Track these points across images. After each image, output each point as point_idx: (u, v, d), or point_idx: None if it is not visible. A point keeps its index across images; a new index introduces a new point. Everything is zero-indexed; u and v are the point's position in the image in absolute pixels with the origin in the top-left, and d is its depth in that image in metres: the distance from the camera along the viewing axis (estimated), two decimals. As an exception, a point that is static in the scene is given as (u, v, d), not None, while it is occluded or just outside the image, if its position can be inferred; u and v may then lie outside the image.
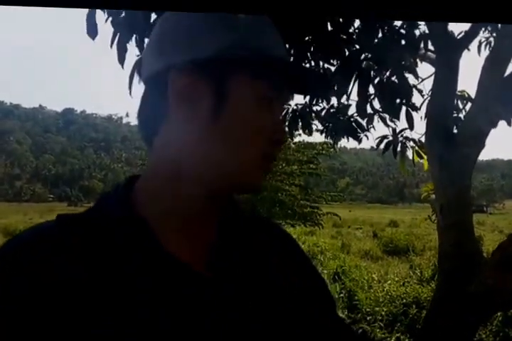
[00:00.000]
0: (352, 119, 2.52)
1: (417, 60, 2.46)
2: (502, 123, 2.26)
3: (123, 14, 1.76)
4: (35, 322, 0.47)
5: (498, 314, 4.74)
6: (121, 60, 1.68)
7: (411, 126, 2.30)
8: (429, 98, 2.33)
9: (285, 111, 2.45)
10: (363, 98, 2.03)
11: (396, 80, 2.09)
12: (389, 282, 6.27)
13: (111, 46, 1.68)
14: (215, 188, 0.58)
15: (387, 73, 2.01)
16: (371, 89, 2.21)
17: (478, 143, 2.03)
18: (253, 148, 0.57)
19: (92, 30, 1.63)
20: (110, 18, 1.78)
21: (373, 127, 2.65)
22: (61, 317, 0.47)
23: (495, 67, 1.96)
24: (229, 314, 0.56)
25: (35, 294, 0.48)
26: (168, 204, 0.59)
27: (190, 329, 0.53)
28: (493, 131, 2.08)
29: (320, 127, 2.84)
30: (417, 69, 2.41)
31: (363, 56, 1.92)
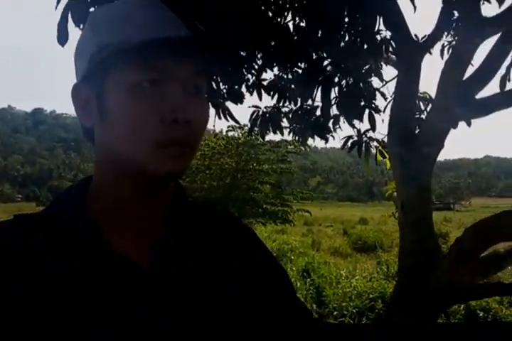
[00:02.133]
0: (319, 120, 2.57)
1: (382, 62, 2.53)
2: (464, 124, 2.35)
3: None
4: None
5: (461, 308, 4.92)
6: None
7: (373, 128, 2.38)
8: (392, 100, 2.40)
9: (256, 114, 2.48)
10: (327, 101, 2.09)
11: (360, 84, 2.16)
12: (356, 278, 6.44)
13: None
14: (132, 175, 0.62)
15: (351, 78, 2.07)
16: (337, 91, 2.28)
17: (438, 143, 2.11)
18: (142, 137, 0.58)
19: (63, 38, 1.63)
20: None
21: (340, 127, 2.72)
22: (11, 303, 0.53)
23: (454, 70, 2.04)
24: (166, 307, 0.60)
25: None
26: (109, 197, 0.64)
27: (127, 320, 0.57)
28: (459, 131, 2.16)
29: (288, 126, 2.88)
30: (382, 72, 2.50)
31: (328, 61, 1.97)
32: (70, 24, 1.69)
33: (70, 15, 1.57)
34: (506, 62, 2.10)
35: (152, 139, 0.58)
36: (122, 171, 0.62)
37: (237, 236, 0.74)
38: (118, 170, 0.63)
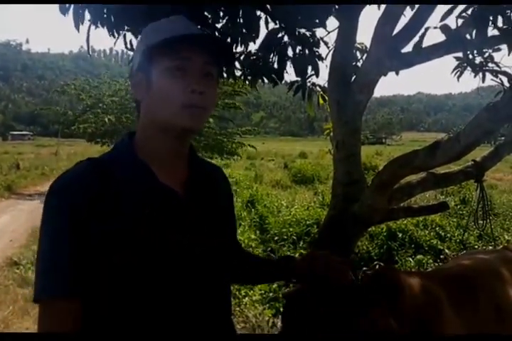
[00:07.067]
0: (268, 65, 2.78)
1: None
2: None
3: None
4: (77, 211, 0.86)
5: (383, 229, 5.60)
6: (77, 26, 1.85)
7: (316, 74, 2.65)
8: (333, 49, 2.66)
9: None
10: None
11: (307, 34, 2.40)
12: (295, 207, 6.99)
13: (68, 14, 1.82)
14: (166, 130, 0.93)
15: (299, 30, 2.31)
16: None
17: (369, 91, 2.44)
18: (172, 101, 0.89)
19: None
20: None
21: (287, 72, 2.95)
22: (86, 212, 0.85)
23: (385, 27, 2.31)
24: (196, 221, 0.94)
25: (75, 199, 0.86)
26: (152, 147, 0.95)
27: (168, 229, 0.89)
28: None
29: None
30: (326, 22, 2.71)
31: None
32: None
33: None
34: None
35: (179, 103, 0.89)
36: (160, 128, 0.93)
37: (219, 177, 1.11)
38: (158, 127, 0.93)
